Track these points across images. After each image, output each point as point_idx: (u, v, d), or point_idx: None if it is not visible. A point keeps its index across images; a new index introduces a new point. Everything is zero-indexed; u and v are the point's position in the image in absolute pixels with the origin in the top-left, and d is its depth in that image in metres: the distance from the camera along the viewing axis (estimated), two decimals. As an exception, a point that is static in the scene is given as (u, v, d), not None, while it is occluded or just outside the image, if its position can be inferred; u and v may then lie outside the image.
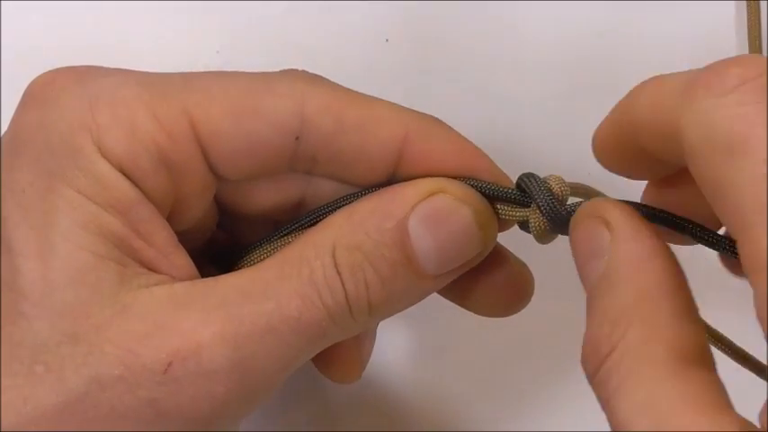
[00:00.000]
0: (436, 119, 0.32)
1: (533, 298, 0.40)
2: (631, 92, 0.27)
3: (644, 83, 0.27)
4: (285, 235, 0.32)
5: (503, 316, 0.34)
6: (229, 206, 0.33)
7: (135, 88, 0.29)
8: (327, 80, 0.31)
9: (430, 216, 0.29)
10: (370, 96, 0.31)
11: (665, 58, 0.45)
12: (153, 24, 0.46)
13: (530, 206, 0.31)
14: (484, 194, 0.31)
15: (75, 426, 0.27)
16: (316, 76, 0.31)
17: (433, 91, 0.45)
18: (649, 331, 0.24)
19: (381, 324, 0.35)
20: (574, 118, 0.44)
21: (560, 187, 0.31)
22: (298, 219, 0.32)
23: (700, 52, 0.45)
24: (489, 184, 0.31)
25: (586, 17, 0.45)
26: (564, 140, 0.44)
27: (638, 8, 0.45)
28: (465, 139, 0.32)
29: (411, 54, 0.46)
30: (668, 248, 0.26)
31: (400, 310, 0.31)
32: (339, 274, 0.29)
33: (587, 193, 0.32)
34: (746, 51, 0.45)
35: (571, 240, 0.28)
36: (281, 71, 0.31)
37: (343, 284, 0.29)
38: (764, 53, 0.45)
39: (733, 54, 0.44)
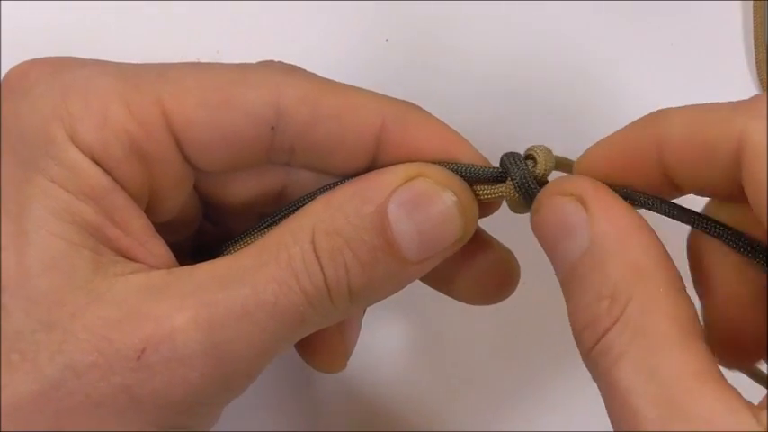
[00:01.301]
0: (414, 105, 0.32)
1: (529, 293, 0.40)
2: (651, 119, 0.28)
3: (664, 112, 0.28)
4: (267, 226, 0.32)
5: (488, 303, 0.34)
6: (211, 198, 0.33)
7: (108, 79, 0.29)
8: (303, 70, 0.31)
9: (409, 200, 0.29)
10: (346, 85, 0.31)
11: (669, 57, 0.45)
12: (153, 24, 0.46)
13: (505, 182, 0.31)
14: (464, 176, 0.31)
15: (51, 413, 0.27)
16: (292, 66, 0.31)
17: (433, 91, 0.45)
18: (650, 304, 0.25)
19: (372, 320, 0.35)
20: (575, 118, 0.44)
21: (546, 157, 0.31)
22: (279, 209, 0.32)
23: (705, 52, 0.45)
24: (468, 165, 0.31)
25: (589, 17, 0.46)
26: (565, 140, 0.44)
27: (642, 7, 0.45)
28: (443, 123, 0.32)
29: (411, 54, 0.46)
30: (647, 223, 0.27)
31: (382, 297, 0.31)
32: (318, 258, 0.28)
33: (573, 169, 0.32)
34: (752, 51, 0.45)
35: (537, 221, 0.28)
36: (257, 63, 0.31)
37: (322, 269, 0.28)
38: (766, 53, 0.45)
39: (738, 54, 0.45)
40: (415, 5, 0.46)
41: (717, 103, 0.27)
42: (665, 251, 0.27)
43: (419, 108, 0.32)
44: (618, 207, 0.27)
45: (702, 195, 0.29)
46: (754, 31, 0.45)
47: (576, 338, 0.27)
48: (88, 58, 0.32)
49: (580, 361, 0.42)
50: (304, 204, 0.31)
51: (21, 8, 0.45)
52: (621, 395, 0.25)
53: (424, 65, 0.45)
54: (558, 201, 0.28)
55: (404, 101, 0.32)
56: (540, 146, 0.31)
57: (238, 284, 0.28)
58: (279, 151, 0.31)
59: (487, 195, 0.31)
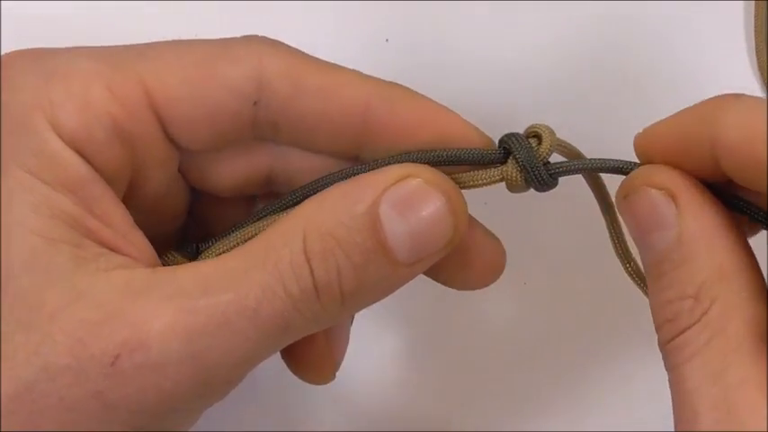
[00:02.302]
0: (400, 85, 0.31)
1: (529, 293, 0.40)
2: (708, 114, 0.28)
3: (721, 107, 0.27)
4: (256, 221, 0.31)
5: (473, 288, 0.34)
6: (197, 182, 0.32)
7: (89, 62, 0.29)
8: (287, 45, 0.31)
9: (401, 200, 0.29)
10: (330, 63, 0.31)
11: (671, 57, 0.45)
12: (153, 25, 0.46)
13: (506, 162, 0.31)
14: (460, 161, 0.31)
15: (24, 415, 0.26)
16: (275, 41, 0.31)
17: (433, 91, 0.45)
18: (731, 309, 0.26)
19: (370, 319, 0.35)
20: (577, 118, 0.44)
21: (551, 135, 0.31)
22: (268, 205, 0.31)
23: (708, 52, 0.45)
24: (465, 150, 0.31)
25: (590, 16, 0.45)
26: (567, 139, 0.44)
27: (644, 7, 0.45)
28: (431, 100, 0.31)
29: (411, 54, 0.46)
30: (734, 222, 0.28)
31: (373, 302, 0.30)
32: (308, 261, 0.28)
33: (571, 152, 0.32)
34: (753, 51, 0.45)
35: (626, 206, 0.29)
36: (240, 37, 0.31)
37: (312, 271, 0.28)
38: None
39: (741, 54, 0.44)
40: (415, 5, 0.46)
41: None
42: (751, 253, 0.27)
43: (405, 87, 0.32)
44: (708, 205, 0.28)
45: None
46: (756, 32, 0.45)
47: (655, 326, 0.28)
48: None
49: (580, 361, 0.42)
50: (293, 201, 0.31)
51: (21, 7, 0.45)
52: (685, 393, 0.26)
53: (424, 65, 0.45)
54: (650, 192, 0.28)
55: (391, 82, 0.31)
56: (543, 124, 0.31)
57: (221, 290, 0.27)
58: (263, 126, 0.31)
59: (486, 180, 0.31)
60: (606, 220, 0.33)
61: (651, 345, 0.37)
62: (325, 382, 0.35)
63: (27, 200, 0.27)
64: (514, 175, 0.31)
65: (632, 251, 0.32)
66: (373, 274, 0.29)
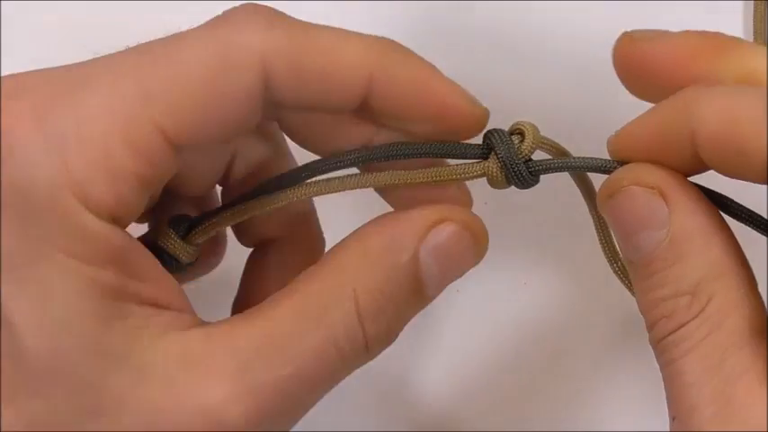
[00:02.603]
0: (405, 50, 0.31)
1: (529, 293, 0.40)
2: (684, 107, 0.27)
3: (696, 99, 0.27)
4: (252, 199, 0.31)
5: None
6: (182, 184, 0.32)
7: (100, 118, 0.27)
8: (284, 20, 0.30)
9: (437, 247, 0.30)
10: (333, 31, 0.30)
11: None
12: (154, 24, 0.46)
13: (488, 158, 0.31)
14: (445, 154, 0.31)
15: None
16: (272, 18, 0.29)
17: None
18: (729, 305, 0.26)
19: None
20: (578, 118, 0.44)
21: (534, 133, 0.31)
22: (266, 182, 0.32)
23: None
24: (450, 144, 0.31)
25: (589, 17, 0.46)
26: (567, 140, 0.44)
27: (643, 7, 0.45)
28: (434, 72, 0.31)
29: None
30: (724, 220, 0.28)
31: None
32: (362, 323, 0.29)
33: (557, 151, 0.32)
34: None
35: (612, 206, 0.28)
36: (234, 14, 0.29)
37: (364, 332, 0.29)
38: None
39: None
40: (416, 5, 0.46)
41: (748, 90, 0.26)
42: (741, 250, 0.28)
43: (408, 52, 0.31)
44: (699, 202, 0.28)
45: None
46: (754, 32, 0.45)
47: (647, 324, 0.28)
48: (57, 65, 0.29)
49: (580, 361, 0.42)
50: (296, 177, 0.31)
51: (21, 7, 0.45)
52: (683, 387, 0.26)
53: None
54: (638, 191, 0.28)
55: (393, 44, 0.31)
56: (528, 122, 0.31)
57: (281, 361, 0.28)
58: (267, 108, 0.30)
59: (468, 174, 0.31)
60: (594, 218, 0.33)
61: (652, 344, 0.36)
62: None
63: (72, 284, 0.26)
64: (495, 171, 0.31)
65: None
66: (410, 313, 0.30)
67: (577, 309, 0.42)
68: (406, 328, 0.42)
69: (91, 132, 0.27)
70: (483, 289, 0.42)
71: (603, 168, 0.30)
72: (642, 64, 0.29)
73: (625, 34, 0.30)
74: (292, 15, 0.31)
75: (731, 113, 0.26)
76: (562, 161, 0.31)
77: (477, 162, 0.31)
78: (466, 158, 0.31)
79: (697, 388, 0.26)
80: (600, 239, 0.32)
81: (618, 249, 0.31)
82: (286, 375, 0.28)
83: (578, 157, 0.31)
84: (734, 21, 0.46)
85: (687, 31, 0.29)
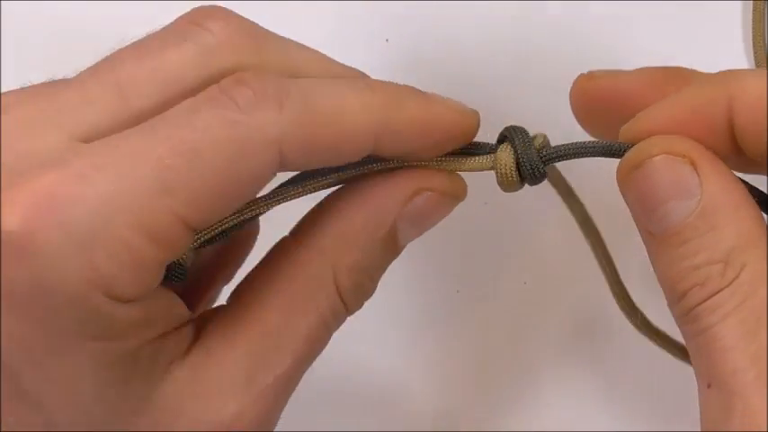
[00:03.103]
0: (408, 99, 0.31)
1: (529, 293, 0.39)
2: (722, 77, 0.28)
3: (735, 72, 0.28)
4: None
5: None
6: None
7: (122, 213, 0.26)
8: (294, 98, 0.28)
9: (416, 216, 0.30)
10: (337, 91, 0.29)
11: (669, 57, 0.45)
12: (153, 24, 0.46)
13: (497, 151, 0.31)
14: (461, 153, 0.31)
15: None
16: (281, 95, 0.28)
17: (432, 91, 0.45)
18: (762, 275, 0.27)
19: (366, 326, 0.35)
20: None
21: (544, 139, 0.31)
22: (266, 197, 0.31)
23: (704, 51, 0.45)
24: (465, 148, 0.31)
25: (588, 16, 0.45)
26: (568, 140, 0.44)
27: (642, 7, 0.45)
28: (437, 103, 0.31)
29: (411, 54, 0.46)
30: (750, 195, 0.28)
31: None
32: (344, 301, 0.30)
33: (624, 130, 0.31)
34: (751, 51, 0.45)
35: (637, 177, 0.28)
36: (238, 81, 0.28)
37: (345, 305, 0.30)
38: (766, 53, 0.45)
39: (739, 55, 0.44)
40: (415, 5, 0.46)
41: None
42: (764, 221, 0.28)
43: (413, 99, 0.31)
44: (728, 174, 0.28)
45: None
46: (753, 32, 0.45)
47: (675, 295, 0.28)
48: (87, 60, 0.29)
49: (580, 361, 0.42)
50: (288, 194, 0.31)
51: (21, 7, 0.45)
52: (723, 351, 0.26)
53: (424, 65, 0.45)
54: (669, 159, 0.28)
55: (397, 93, 0.30)
56: (540, 133, 0.31)
57: (278, 358, 0.29)
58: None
59: (476, 165, 0.31)
60: (606, 273, 0.32)
61: (653, 344, 0.36)
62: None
63: (100, 362, 0.27)
64: (507, 160, 0.30)
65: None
66: (385, 269, 0.31)
67: (577, 309, 0.42)
68: (405, 327, 0.42)
69: (113, 226, 0.26)
70: (483, 289, 0.42)
71: (620, 151, 0.30)
72: (602, 98, 0.31)
73: (582, 74, 0.32)
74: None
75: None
76: (575, 145, 0.30)
77: (488, 156, 0.31)
78: (476, 153, 0.31)
79: (738, 351, 0.26)
80: (614, 292, 0.31)
81: (633, 304, 0.31)
82: (286, 369, 0.29)
83: (591, 141, 0.30)
84: (733, 21, 0.46)
85: (647, 67, 0.31)
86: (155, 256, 0.27)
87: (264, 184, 0.29)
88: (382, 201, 0.30)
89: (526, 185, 0.31)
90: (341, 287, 0.30)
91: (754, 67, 0.45)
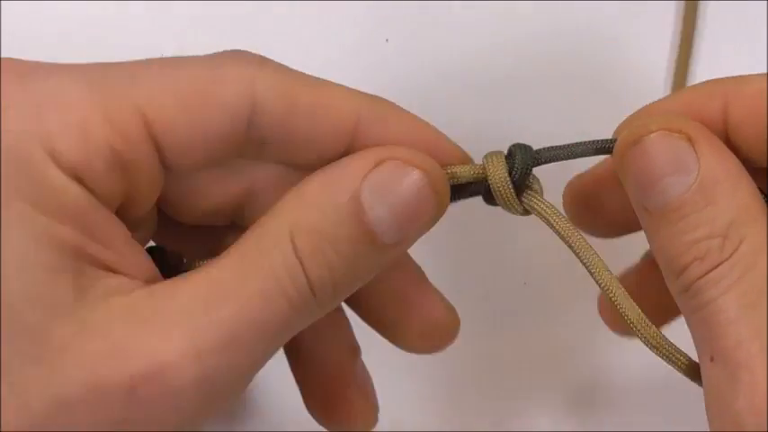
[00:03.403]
0: (389, 101, 0.31)
1: (529, 293, 0.39)
2: (719, 79, 0.29)
3: (734, 76, 0.29)
4: None
5: (424, 353, 0.34)
6: (172, 204, 0.32)
7: (83, 88, 0.28)
8: (274, 62, 0.31)
9: (381, 184, 0.29)
10: (320, 78, 0.30)
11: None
12: (153, 24, 0.46)
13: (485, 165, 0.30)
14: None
15: None
16: (264, 58, 0.31)
17: (433, 91, 0.45)
18: (760, 247, 0.27)
19: (366, 325, 0.35)
20: (578, 116, 0.44)
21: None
22: None
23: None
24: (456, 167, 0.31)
25: (590, 17, 0.46)
26: (568, 139, 0.44)
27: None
28: (420, 120, 0.31)
29: (411, 54, 0.46)
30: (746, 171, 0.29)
31: (362, 284, 0.30)
32: (301, 261, 0.28)
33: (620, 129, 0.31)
34: (675, 52, 0.45)
35: (635, 153, 0.29)
36: (227, 52, 0.30)
37: (305, 273, 0.28)
38: (694, 55, 0.45)
39: (663, 55, 0.44)
40: (415, 5, 0.46)
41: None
42: (763, 200, 0.28)
43: (394, 104, 0.31)
44: (725, 150, 0.28)
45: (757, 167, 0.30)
46: (682, 32, 0.45)
47: (675, 270, 0.28)
48: (87, 60, 0.31)
49: (581, 361, 0.42)
50: None
51: (21, 7, 0.45)
52: (726, 325, 0.27)
53: (424, 65, 0.45)
54: (666, 135, 0.28)
55: (378, 97, 0.31)
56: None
57: (223, 305, 0.27)
58: (252, 143, 0.30)
59: (466, 173, 0.31)
60: (606, 293, 0.30)
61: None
62: (370, 429, 0.35)
63: (28, 232, 0.27)
64: (497, 162, 0.30)
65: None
66: (362, 261, 0.29)
67: (578, 309, 0.42)
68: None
69: (72, 99, 0.28)
70: (483, 289, 0.42)
71: (603, 148, 0.30)
72: (589, 191, 0.33)
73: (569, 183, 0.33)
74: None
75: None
76: (565, 147, 0.31)
77: (478, 165, 0.31)
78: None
79: (741, 324, 0.26)
80: (622, 312, 0.30)
81: (644, 316, 0.30)
82: (229, 316, 0.27)
83: (583, 141, 0.31)
84: (665, 21, 0.46)
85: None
86: (105, 136, 0.28)
87: (234, 130, 0.29)
88: (344, 167, 0.29)
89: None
90: (298, 247, 0.28)
91: (673, 64, 0.45)
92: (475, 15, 0.46)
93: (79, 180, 0.28)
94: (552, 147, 0.31)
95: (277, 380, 0.37)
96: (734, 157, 0.28)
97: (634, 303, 0.29)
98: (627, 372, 0.41)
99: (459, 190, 0.31)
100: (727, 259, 0.27)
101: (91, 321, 0.27)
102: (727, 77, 0.30)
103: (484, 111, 0.44)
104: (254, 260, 0.28)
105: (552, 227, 0.30)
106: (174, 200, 0.32)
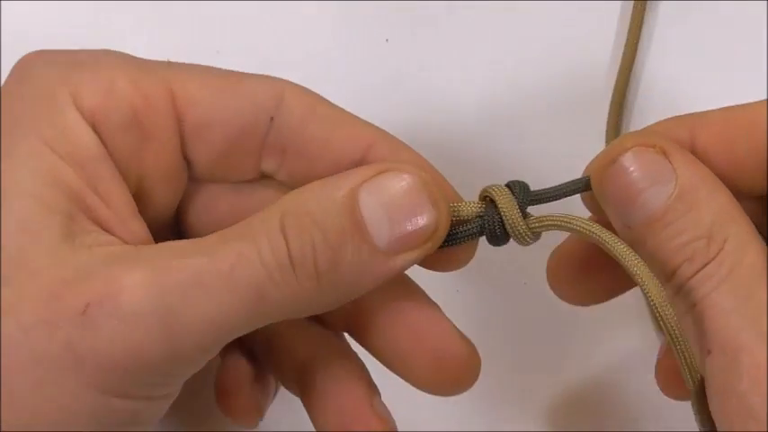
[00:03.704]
0: (405, 143, 0.32)
1: (529, 293, 0.39)
2: (686, 115, 0.31)
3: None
4: None
5: (440, 394, 0.33)
6: (191, 222, 0.33)
7: (117, 58, 0.30)
8: (305, 87, 0.32)
9: (381, 190, 0.29)
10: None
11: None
12: (153, 24, 0.46)
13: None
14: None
15: None
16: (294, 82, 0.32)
17: (433, 91, 0.45)
18: (743, 244, 0.28)
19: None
20: (578, 115, 0.44)
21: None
22: None
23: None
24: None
25: (591, 18, 0.45)
26: (568, 137, 0.44)
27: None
28: (429, 163, 0.32)
29: (411, 54, 0.46)
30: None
31: (352, 292, 0.30)
32: (284, 235, 0.28)
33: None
34: (621, 52, 0.45)
35: (615, 173, 0.30)
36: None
37: (287, 244, 0.28)
38: (639, 54, 0.45)
39: (606, 55, 0.44)
40: (415, 5, 0.46)
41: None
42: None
43: (408, 145, 0.32)
44: (697, 161, 0.30)
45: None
46: (628, 32, 0.45)
47: (666, 274, 0.29)
48: None
49: (581, 361, 0.42)
50: None
51: (21, 7, 0.45)
52: (723, 316, 0.27)
53: (424, 65, 0.45)
54: (642, 151, 0.29)
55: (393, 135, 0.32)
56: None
57: (196, 255, 0.28)
58: (271, 149, 0.31)
59: (468, 209, 0.31)
60: (672, 341, 0.29)
61: (653, 344, 0.36)
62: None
63: (32, 166, 0.28)
64: (503, 192, 0.31)
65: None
66: (350, 255, 0.29)
67: (578, 308, 0.42)
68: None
69: (104, 62, 0.30)
70: (483, 289, 0.42)
71: (587, 185, 0.31)
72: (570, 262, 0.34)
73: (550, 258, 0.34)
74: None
75: (732, 110, 0.31)
76: (552, 189, 0.31)
77: (480, 202, 0.31)
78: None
79: (737, 313, 0.27)
80: (678, 358, 0.29)
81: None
82: (198, 262, 0.27)
83: (561, 184, 0.31)
84: (610, 20, 0.46)
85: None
86: (130, 96, 0.30)
87: (259, 119, 0.30)
88: (347, 172, 0.30)
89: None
90: (285, 224, 0.28)
91: (617, 64, 0.45)
92: (476, 15, 0.46)
93: (95, 128, 0.29)
94: (540, 190, 0.31)
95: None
96: (706, 167, 0.30)
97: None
98: (627, 372, 0.41)
99: (457, 234, 0.31)
100: (714, 258, 0.28)
101: (70, 259, 0.28)
102: (690, 113, 0.31)
103: (485, 111, 0.45)
104: (238, 229, 0.29)
105: (581, 233, 0.30)
106: (192, 217, 0.33)
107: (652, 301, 0.29)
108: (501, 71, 0.45)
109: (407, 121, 0.43)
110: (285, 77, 0.32)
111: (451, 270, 0.33)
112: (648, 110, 0.44)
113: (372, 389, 0.34)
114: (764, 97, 0.31)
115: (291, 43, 0.45)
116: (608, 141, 0.43)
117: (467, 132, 0.44)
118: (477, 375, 0.33)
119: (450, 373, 0.32)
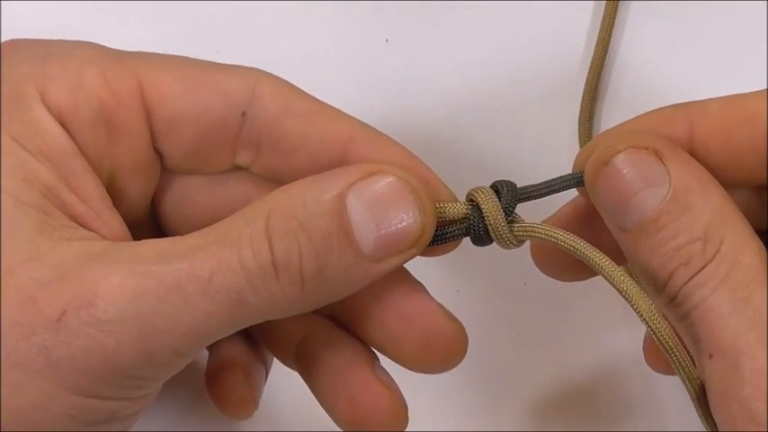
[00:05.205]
0: (385, 134, 0.32)
1: (529, 293, 0.39)
2: (684, 103, 0.30)
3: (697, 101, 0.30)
4: None
5: (428, 372, 0.33)
6: (165, 215, 0.33)
7: (88, 49, 0.30)
8: (280, 77, 0.31)
9: (369, 194, 0.29)
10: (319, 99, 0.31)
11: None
12: (153, 24, 0.46)
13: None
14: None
15: None
16: (269, 72, 0.31)
17: (432, 91, 0.45)
18: (740, 244, 0.28)
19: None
20: (577, 114, 0.44)
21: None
22: None
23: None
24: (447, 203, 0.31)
25: (591, 18, 0.45)
26: (567, 136, 0.44)
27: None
28: (411, 153, 0.31)
29: (411, 54, 0.46)
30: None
31: (336, 296, 0.30)
32: (269, 238, 0.28)
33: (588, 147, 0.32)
34: (591, 51, 0.45)
35: (608, 174, 0.29)
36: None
37: (271, 248, 0.28)
38: (609, 54, 0.45)
39: (578, 54, 0.44)
40: (415, 5, 0.46)
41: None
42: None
43: (389, 137, 0.32)
44: (692, 160, 0.29)
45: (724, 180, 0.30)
46: (600, 32, 0.45)
47: (660, 281, 0.28)
48: None
49: (581, 361, 0.42)
50: None
51: (21, 7, 0.45)
52: (721, 319, 0.27)
53: (424, 65, 0.45)
54: (635, 152, 0.29)
55: (374, 128, 0.32)
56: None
57: (176, 260, 0.27)
58: (245, 144, 0.31)
59: (454, 209, 0.31)
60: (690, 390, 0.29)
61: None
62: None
63: (4, 162, 0.28)
64: (488, 195, 0.30)
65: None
66: (335, 260, 0.28)
67: (578, 308, 0.42)
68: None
69: (75, 54, 0.30)
70: (483, 289, 0.42)
71: (579, 181, 0.30)
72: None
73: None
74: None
75: (731, 100, 0.30)
76: (542, 185, 0.31)
77: (467, 203, 0.31)
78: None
79: (736, 317, 0.27)
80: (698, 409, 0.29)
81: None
82: (177, 268, 0.27)
83: (552, 179, 0.31)
84: (582, 20, 0.46)
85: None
86: (98, 91, 0.29)
87: (230, 113, 0.30)
88: (335, 171, 0.29)
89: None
90: (270, 227, 0.28)
91: (588, 64, 0.45)
92: (476, 16, 0.46)
93: (64, 124, 0.29)
94: (530, 185, 0.31)
95: (278, 380, 0.37)
96: (700, 165, 0.29)
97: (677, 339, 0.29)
98: (627, 372, 0.41)
99: (444, 234, 0.31)
100: (711, 260, 0.28)
101: (45, 254, 0.27)
102: (689, 102, 0.31)
103: (485, 111, 0.45)
104: (221, 231, 0.28)
105: (563, 247, 0.30)
106: (168, 209, 0.33)
107: (642, 316, 0.28)
108: (501, 70, 0.45)
109: (407, 120, 0.43)
110: (285, 77, 0.31)
111: (434, 257, 0.33)
112: (620, 98, 0.44)
113: (372, 355, 0.33)
114: (727, 84, 0.31)
115: (291, 43, 0.45)
116: (580, 126, 0.43)
117: (467, 133, 0.44)
118: (465, 352, 0.32)
119: (440, 352, 0.32)
